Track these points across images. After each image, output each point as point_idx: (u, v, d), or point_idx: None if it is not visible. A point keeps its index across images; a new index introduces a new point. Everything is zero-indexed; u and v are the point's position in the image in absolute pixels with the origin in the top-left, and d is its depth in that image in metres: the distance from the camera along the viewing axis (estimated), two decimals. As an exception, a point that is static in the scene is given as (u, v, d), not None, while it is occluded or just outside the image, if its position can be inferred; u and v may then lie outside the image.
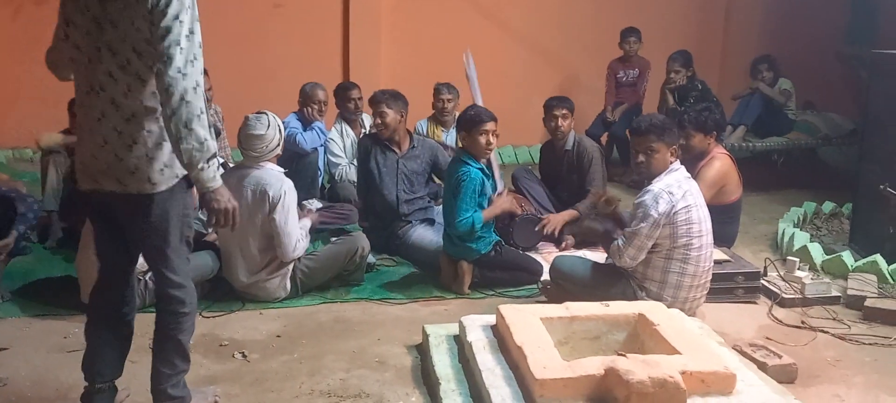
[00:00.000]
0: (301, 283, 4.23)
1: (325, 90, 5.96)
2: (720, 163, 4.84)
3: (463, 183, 4.31)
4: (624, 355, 2.82)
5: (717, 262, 4.26)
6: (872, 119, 5.09)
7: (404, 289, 4.45)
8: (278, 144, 4.19)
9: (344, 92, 6.14)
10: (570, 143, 5.42)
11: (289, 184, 4.15)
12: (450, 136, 6.25)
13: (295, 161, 5.47)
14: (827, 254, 4.86)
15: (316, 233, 4.94)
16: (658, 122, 3.95)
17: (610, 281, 3.94)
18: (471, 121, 4.39)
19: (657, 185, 3.77)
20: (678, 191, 3.74)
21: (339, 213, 5.47)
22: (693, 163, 4.98)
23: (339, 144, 5.95)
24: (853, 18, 8.34)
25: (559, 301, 3.59)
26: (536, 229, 5.16)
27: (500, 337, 3.24)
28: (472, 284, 4.43)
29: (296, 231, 4.14)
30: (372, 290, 4.41)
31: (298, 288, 4.24)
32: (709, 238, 3.86)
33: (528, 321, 3.17)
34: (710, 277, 3.96)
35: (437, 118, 6.38)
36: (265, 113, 4.20)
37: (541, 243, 5.24)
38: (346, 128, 6.04)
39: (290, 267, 4.20)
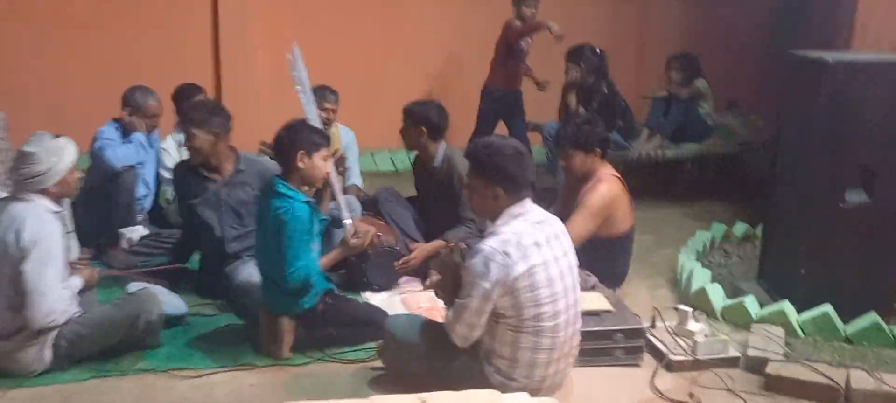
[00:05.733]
0: (66, 353, 3.31)
1: (158, 101, 4.92)
2: (607, 187, 4.06)
3: (287, 224, 3.39)
4: None
5: (592, 314, 3.49)
6: (787, 131, 4.32)
7: (209, 353, 3.56)
8: (44, 176, 3.25)
9: (187, 97, 5.10)
10: (439, 159, 4.57)
11: (54, 229, 3.25)
12: None
13: (106, 181, 4.53)
14: (730, 296, 4.12)
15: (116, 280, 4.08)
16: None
17: (450, 353, 3.08)
18: (313, 145, 3.52)
19: (490, 243, 2.84)
20: (515, 251, 2.81)
21: (165, 242, 4.58)
22: (577, 186, 4.20)
23: (173, 157, 4.95)
24: (780, 15, 7.66)
25: (397, 367, 3.21)
26: (397, 264, 4.35)
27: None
28: (297, 344, 3.57)
29: (54, 291, 3.21)
30: (167, 356, 3.52)
31: (63, 359, 3.32)
32: (570, 298, 2.98)
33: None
34: (576, 341, 3.13)
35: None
36: (59, 136, 3.35)
37: (404, 278, 4.44)
38: (185, 138, 5.06)
39: (53, 332, 3.28)
